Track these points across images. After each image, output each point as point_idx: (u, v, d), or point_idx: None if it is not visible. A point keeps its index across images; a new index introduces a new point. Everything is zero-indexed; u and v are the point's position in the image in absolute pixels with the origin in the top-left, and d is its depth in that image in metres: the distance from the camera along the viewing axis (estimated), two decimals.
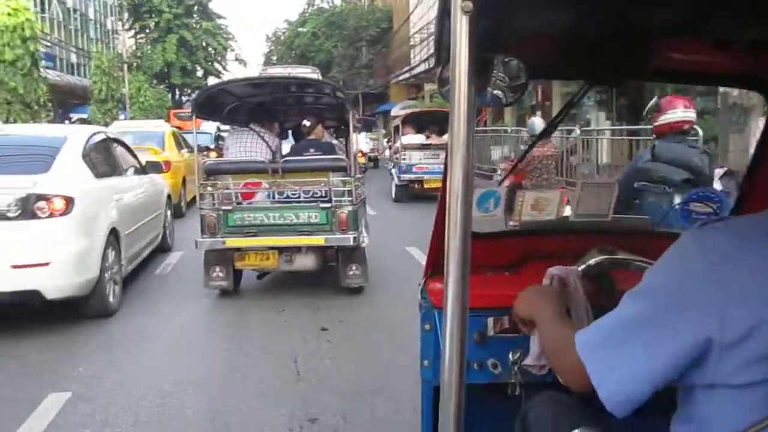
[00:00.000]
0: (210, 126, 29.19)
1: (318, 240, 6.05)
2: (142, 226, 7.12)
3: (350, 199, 6.13)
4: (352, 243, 6.07)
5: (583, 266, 1.83)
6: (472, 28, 0.97)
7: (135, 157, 7.94)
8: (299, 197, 6.24)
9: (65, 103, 36.40)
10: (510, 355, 1.85)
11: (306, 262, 6.30)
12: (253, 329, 5.59)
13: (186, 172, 12.53)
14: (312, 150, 6.61)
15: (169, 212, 8.89)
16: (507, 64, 1.53)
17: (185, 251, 8.31)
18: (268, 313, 5.96)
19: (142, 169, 7.85)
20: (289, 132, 8.72)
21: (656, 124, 4.34)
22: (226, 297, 6.48)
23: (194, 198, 12.74)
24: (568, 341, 1.24)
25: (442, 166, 11.87)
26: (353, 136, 6.79)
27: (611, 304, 1.28)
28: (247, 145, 6.66)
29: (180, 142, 13.59)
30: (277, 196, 6.27)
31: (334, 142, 7.70)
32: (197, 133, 21.27)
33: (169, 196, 9.04)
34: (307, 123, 6.85)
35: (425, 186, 13.46)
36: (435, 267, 1.95)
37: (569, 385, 1.32)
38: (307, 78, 7.72)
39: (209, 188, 6.17)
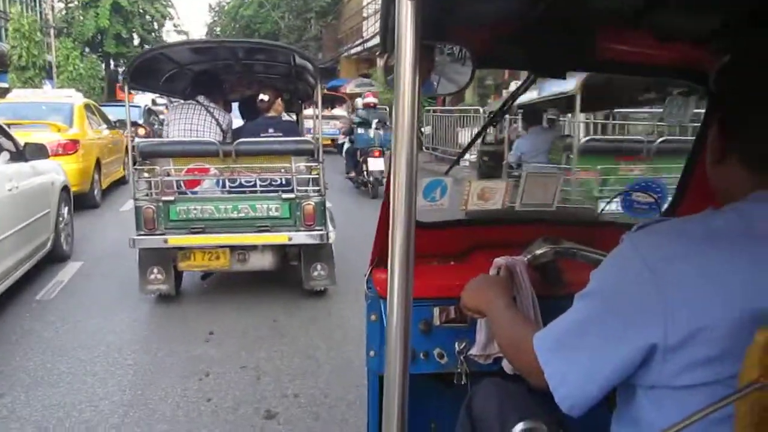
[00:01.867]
0: (143, 98, 28.00)
1: (280, 238, 5.23)
2: (12, 237, 5.28)
3: (317, 188, 5.32)
4: (320, 241, 5.27)
5: (529, 256, 1.87)
6: (418, 15, 0.98)
7: (10, 138, 6.23)
8: (255, 186, 5.38)
9: None
10: (456, 345, 1.90)
11: (262, 262, 5.51)
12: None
13: (102, 153, 11.18)
14: (271, 130, 5.67)
15: (65, 209, 7.13)
16: (454, 52, 1.61)
17: (88, 260, 7.01)
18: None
19: (20, 154, 6.15)
20: (234, 106, 7.51)
21: None
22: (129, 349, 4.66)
23: (114, 184, 12.09)
24: (526, 342, 1.28)
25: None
26: (318, 112, 5.87)
27: (557, 293, 1.41)
28: (193, 122, 5.68)
29: (97, 117, 12.05)
30: (228, 184, 5.38)
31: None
32: (122, 106, 19.92)
33: (66, 188, 7.21)
34: (264, 97, 5.89)
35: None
36: (380, 257, 1.95)
37: (530, 382, 1.34)
38: (265, 42, 6.71)
39: (145, 174, 5.23)
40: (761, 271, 1.06)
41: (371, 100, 12.86)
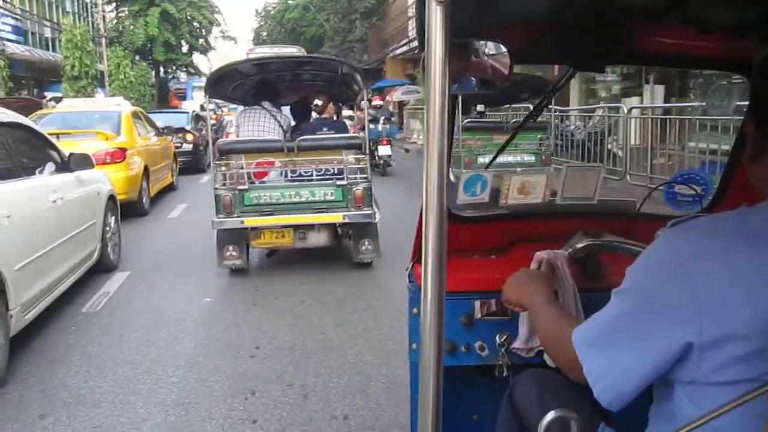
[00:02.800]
0: (192, 104, 29.05)
1: (336, 217, 6.49)
2: (57, 249, 5.37)
3: (365, 176, 6.57)
4: (369, 219, 6.52)
5: (570, 250, 1.93)
6: (447, 17, 1.01)
7: (55, 149, 6.25)
8: (312, 175, 6.66)
9: (41, 81, 36.25)
10: (497, 338, 1.96)
11: (319, 239, 6.76)
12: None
13: (150, 161, 11.24)
14: (325, 129, 7.05)
15: (112, 219, 7.21)
16: (491, 49, 1.68)
17: (135, 270, 7.13)
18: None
19: (65, 165, 6.18)
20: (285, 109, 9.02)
21: None
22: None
23: (162, 191, 12.48)
24: (566, 337, 1.35)
25: None
26: (365, 113, 7.22)
27: (598, 286, 1.36)
28: (259, 124, 7.09)
29: (145, 124, 12.26)
30: (290, 174, 6.68)
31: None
32: (171, 112, 20.50)
33: (112, 197, 7.30)
34: (318, 102, 7.27)
35: None
36: (422, 251, 2.30)
37: (570, 377, 1.43)
38: (318, 56, 8.20)
39: (223, 168, 6.56)
40: None
41: (378, 102, 18.20)
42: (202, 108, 28.67)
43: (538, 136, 11.05)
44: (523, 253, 1.98)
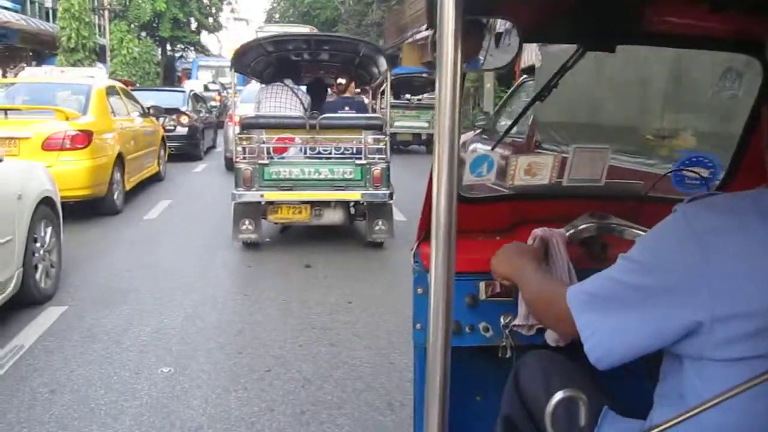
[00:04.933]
0: (195, 84, 28.91)
1: (354, 195, 7.03)
2: None
3: (383, 156, 7.07)
4: (386, 199, 7.04)
5: (572, 230, 2.01)
6: None
7: None
8: (331, 153, 7.15)
9: (40, 53, 36.52)
10: (501, 319, 2.02)
11: (334, 217, 7.26)
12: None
13: (127, 147, 9.78)
14: (347, 108, 7.62)
15: (48, 231, 5.57)
16: (500, 28, 1.71)
17: (75, 303, 5.43)
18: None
19: None
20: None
21: None
22: None
23: (145, 182, 11.06)
24: (557, 293, 1.44)
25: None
26: (387, 93, 7.76)
27: (600, 269, 1.39)
28: (281, 101, 7.64)
29: (126, 103, 10.74)
30: (309, 151, 7.17)
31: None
32: (165, 91, 19.04)
33: (48, 201, 5.57)
34: (342, 81, 7.83)
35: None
36: (428, 231, 1.97)
37: (555, 330, 1.58)
38: (344, 36, 8.75)
39: (245, 142, 7.05)
40: None
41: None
42: (206, 88, 28.89)
43: (431, 113, 16.18)
44: (528, 234, 2.04)
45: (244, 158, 7.03)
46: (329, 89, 9.82)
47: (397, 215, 8.49)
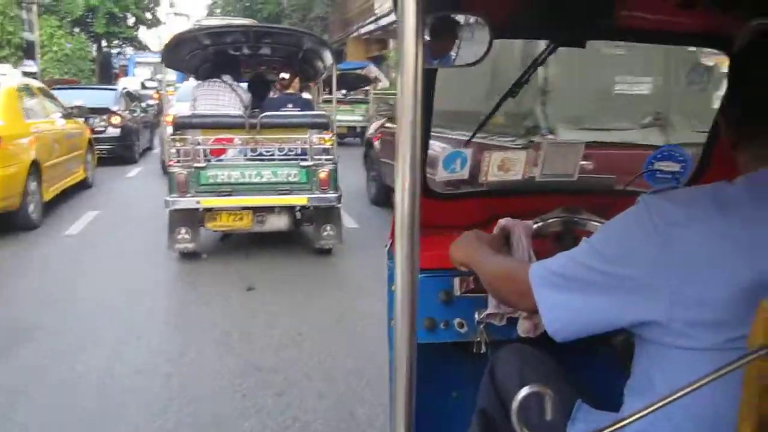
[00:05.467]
0: (132, 81, 28.17)
1: (300, 200, 6.55)
2: None
3: (330, 157, 6.64)
4: (334, 203, 6.60)
5: (540, 223, 2.05)
6: None
7: None
8: (273, 154, 6.69)
9: None
10: (476, 315, 2.06)
11: (278, 223, 6.80)
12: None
13: (45, 154, 8.85)
14: (290, 105, 7.09)
15: None
16: (470, 24, 1.72)
17: None
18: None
19: None
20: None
21: None
22: None
23: (68, 192, 10.04)
24: (518, 269, 1.51)
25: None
26: (334, 89, 7.31)
27: None
28: (219, 98, 7.08)
29: (45, 104, 9.98)
30: (250, 153, 6.69)
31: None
32: (95, 89, 17.96)
33: None
34: (285, 76, 7.31)
35: None
36: None
37: (516, 306, 1.68)
38: (284, 27, 8.17)
39: (178, 143, 6.54)
40: None
41: None
42: (143, 85, 28.11)
43: (364, 106, 18.71)
44: None
45: (179, 161, 6.53)
46: (272, 86, 9.23)
47: (349, 222, 8.13)
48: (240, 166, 6.58)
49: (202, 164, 6.47)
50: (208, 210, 6.59)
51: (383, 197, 9.74)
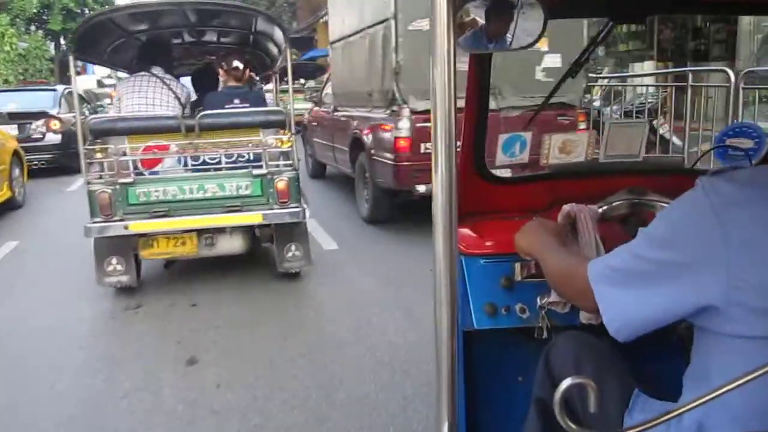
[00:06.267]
0: (88, 80, 27.29)
1: (253, 218, 5.41)
2: None
3: (290, 162, 5.50)
4: (296, 219, 5.46)
5: (605, 206, 2.04)
6: None
7: None
8: (221, 162, 5.53)
9: None
10: (538, 300, 2.02)
11: (231, 245, 5.70)
12: None
13: None
14: (236, 100, 5.80)
15: None
16: (525, 4, 1.64)
17: None
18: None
19: None
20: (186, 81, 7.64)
21: None
22: None
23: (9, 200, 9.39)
24: (578, 267, 1.47)
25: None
26: (290, 79, 6.04)
27: None
28: (148, 96, 5.81)
29: None
30: (191, 162, 5.53)
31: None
32: (30, 90, 15.97)
33: None
34: (239, 65, 6.02)
35: None
36: (463, 214, 2.06)
37: (577, 304, 1.66)
38: (224, 3, 6.59)
39: (98, 154, 5.36)
40: None
41: None
42: (100, 84, 27.01)
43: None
44: None
45: (100, 177, 5.32)
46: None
47: (328, 243, 7.07)
48: (178, 180, 5.40)
49: (130, 179, 5.28)
50: (142, 235, 5.40)
51: (319, 172, 11.63)
